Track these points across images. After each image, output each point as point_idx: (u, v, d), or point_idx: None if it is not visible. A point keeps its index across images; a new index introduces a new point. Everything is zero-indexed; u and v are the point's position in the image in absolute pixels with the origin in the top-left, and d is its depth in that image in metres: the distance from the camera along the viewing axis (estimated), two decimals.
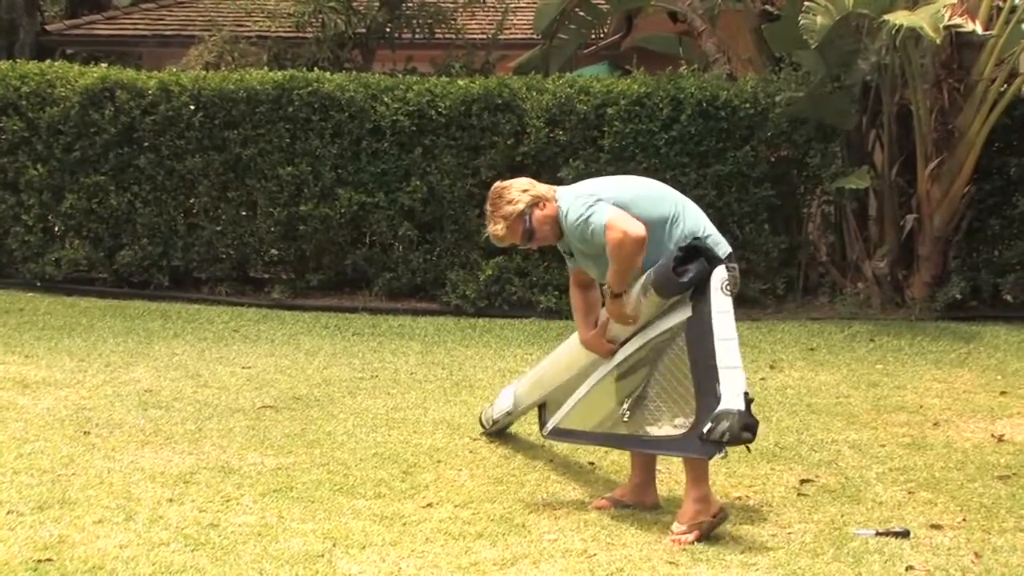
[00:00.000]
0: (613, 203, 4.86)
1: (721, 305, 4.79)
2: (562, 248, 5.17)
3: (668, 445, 4.94)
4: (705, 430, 4.67)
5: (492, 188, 5.08)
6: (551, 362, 5.74)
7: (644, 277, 4.89)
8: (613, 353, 5.11)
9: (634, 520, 5.08)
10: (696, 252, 4.83)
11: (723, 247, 4.95)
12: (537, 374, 5.88)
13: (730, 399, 4.64)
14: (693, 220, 4.96)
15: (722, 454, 4.72)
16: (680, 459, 5.06)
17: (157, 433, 6.24)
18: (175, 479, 5.42)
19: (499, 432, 6.29)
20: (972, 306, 10.71)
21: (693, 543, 4.74)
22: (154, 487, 5.29)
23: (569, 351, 5.53)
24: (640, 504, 5.20)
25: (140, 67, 12.83)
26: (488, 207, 5.05)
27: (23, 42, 17.59)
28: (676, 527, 4.82)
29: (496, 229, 5.00)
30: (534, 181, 5.09)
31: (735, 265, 4.92)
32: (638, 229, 4.77)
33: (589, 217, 4.85)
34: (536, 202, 4.99)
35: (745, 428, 4.63)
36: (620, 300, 4.91)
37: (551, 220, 5.00)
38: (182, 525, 4.80)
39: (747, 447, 4.89)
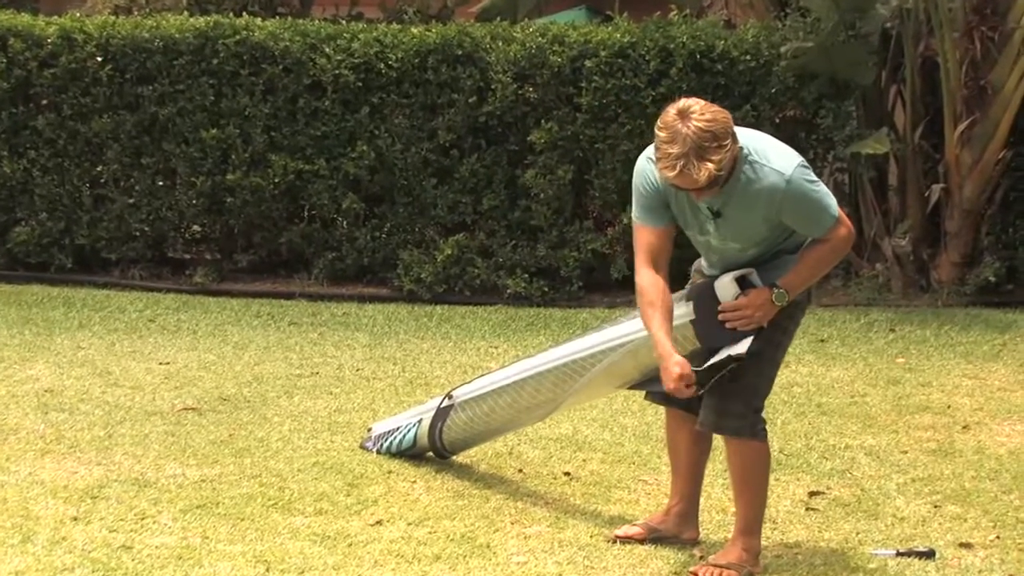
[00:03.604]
0: None
1: None
2: (692, 209, 4.72)
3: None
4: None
5: (688, 111, 4.45)
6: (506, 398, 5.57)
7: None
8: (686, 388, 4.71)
9: (616, 540, 5.10)
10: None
11: None
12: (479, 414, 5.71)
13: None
14: None
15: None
16: (735, 505, 5.00)
17: (59, 440, 6.21)
18: (81, 494, 5.40)
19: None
20: (1008, 290, 10.76)
21: None
22: (56, 503, 5.27)
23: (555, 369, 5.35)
24: (676, 536, 5.10)
25: (37, 11, 12.75)
26: (693, 138, 4.39)
27: None
28: (714, 559, 4.82)
29: (699, 175, 4.41)
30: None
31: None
32: (853, 228, 4.74)
33: (823, 194, 4.62)
34: (736, 149, 4.54)
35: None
36: (777, 307, 4.67)
37: (728, 170, 4.55)
38: (89, 547, 4.79)
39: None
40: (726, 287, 4.70)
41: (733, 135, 4.49)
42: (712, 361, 4.66)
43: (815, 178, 4.66)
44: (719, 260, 4.84)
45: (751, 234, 4.71)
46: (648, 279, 4.73)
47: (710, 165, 4.41)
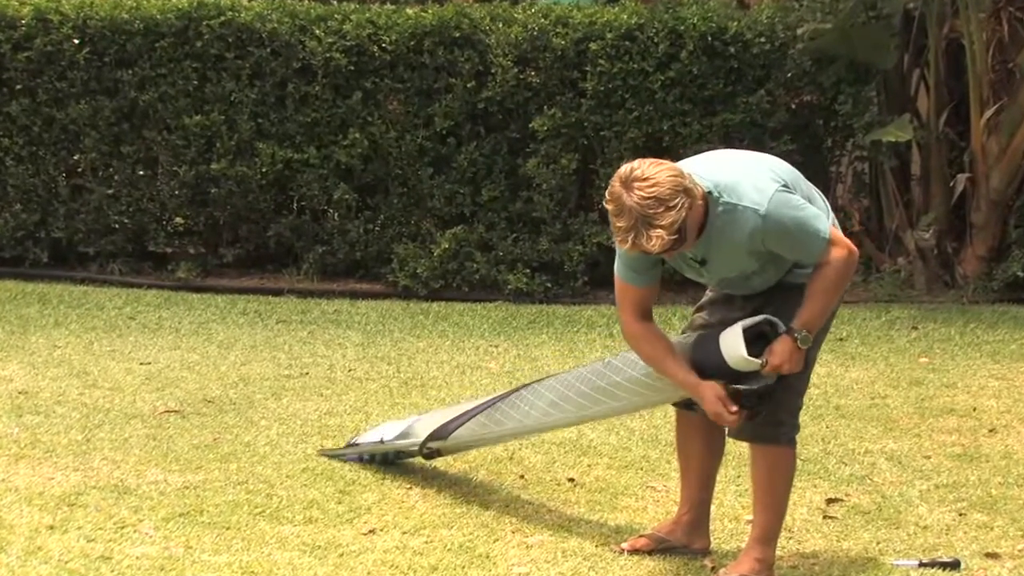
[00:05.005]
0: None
1: None
2: (679, 257, 4.74)
3: None
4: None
5: (631, 179, 4.46)
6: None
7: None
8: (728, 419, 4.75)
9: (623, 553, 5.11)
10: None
11: None
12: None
13: None
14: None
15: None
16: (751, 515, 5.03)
17: (35, 445, 6.21)
18: (57, 501, 5.41)
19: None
20: None
21: None
22: (31, 511, 5.28)
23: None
24: (686, 546, 5.11)
25: None
26: (637, 209, 4.41)
27: None
28: (725, 572, 4.84)
29: (652, 245, 4.43)
30: (675, 165, 4.60)
31: None
32: (853, 246, 4.71)
33: (807, 220, 4.60)
34: (693, 201, 4.50)
35: None
36: (804, 349, 4.68)
37: (699, 220, 4.55)
38: (66, 558, 4.79)
39: None
40: (740, 362, 4.66)
41: (686, 191, 4.46)
42: (756, 387, 4.67)
43: (798, 202, 4.63)
44: (730, 287, 4.89)
45: (744, 268, 4.74)
46: (644, 330, 4.83)
47: (660, 231, 4.42)
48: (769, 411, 4.74)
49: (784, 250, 4.65)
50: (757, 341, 4.67)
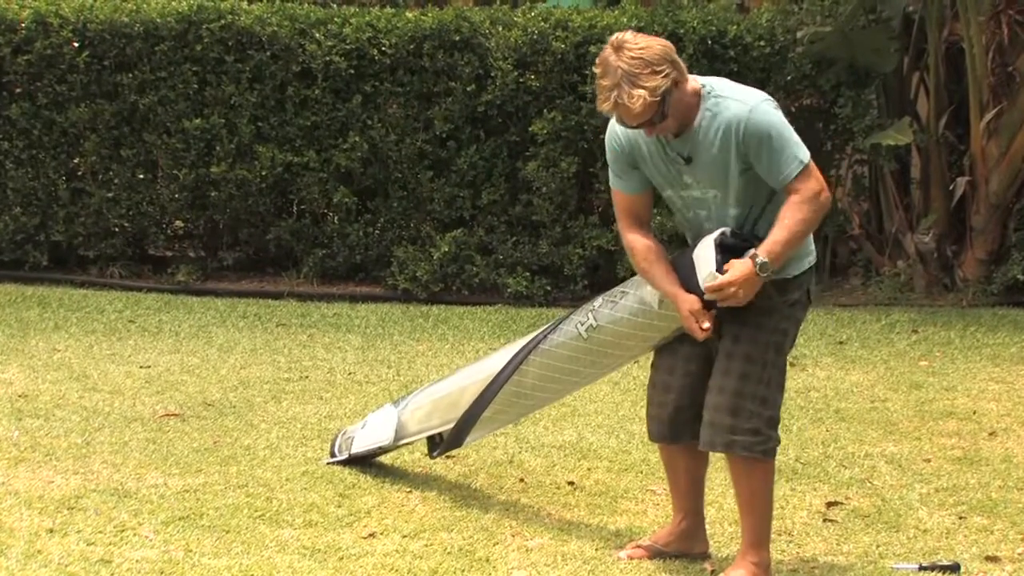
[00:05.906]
0: None
1: None
2: (661, 155, 4.79)
3: None
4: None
5: (622, 43, 4.60)
6: (471, 379, 5.53)
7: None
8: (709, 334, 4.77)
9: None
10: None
11: None
12: (445, 393, 5.66)
13: None
14: None
15: None
16: (741, 520, 4.99)
17: (34, 448, 6.22)
18: (57, 504, 5.41)
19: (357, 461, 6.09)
20: None
21: None
22: (31, 514, 5.28)
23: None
24: (686, 553, 5.10)
25: None
26: (624, 68, 4.56)
27: None
28: None
29: (633, 103, 4.55)
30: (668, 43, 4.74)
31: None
32: (827, 189, 4.73)
33: (790, 135, 4.65)
34: (681, 77, 4.66)
35: None
36: (762, 279, 4.61)
37: (685, 108, 4.68)
38: (66, 561, 4.79)
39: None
40: (706, 260, 4.70)
41: (673, 63, 4.63)
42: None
43: (784, 119, 4.70)
44: (706, 219, 4.84)
45: (728, 179, 4.73)
46: (638, 241, 4.90)
47: (643, 91, 4.55)
48: (742, 421, 4.72)
49: (762, 158, 4.65)
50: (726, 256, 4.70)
